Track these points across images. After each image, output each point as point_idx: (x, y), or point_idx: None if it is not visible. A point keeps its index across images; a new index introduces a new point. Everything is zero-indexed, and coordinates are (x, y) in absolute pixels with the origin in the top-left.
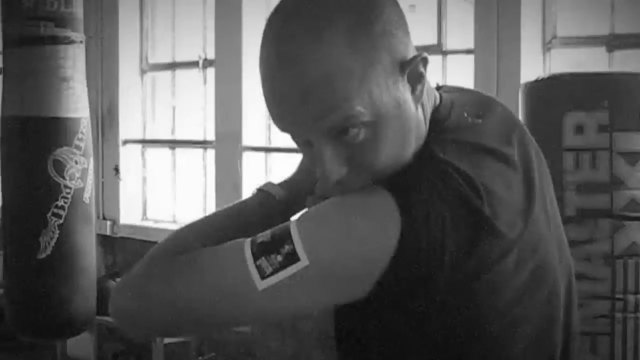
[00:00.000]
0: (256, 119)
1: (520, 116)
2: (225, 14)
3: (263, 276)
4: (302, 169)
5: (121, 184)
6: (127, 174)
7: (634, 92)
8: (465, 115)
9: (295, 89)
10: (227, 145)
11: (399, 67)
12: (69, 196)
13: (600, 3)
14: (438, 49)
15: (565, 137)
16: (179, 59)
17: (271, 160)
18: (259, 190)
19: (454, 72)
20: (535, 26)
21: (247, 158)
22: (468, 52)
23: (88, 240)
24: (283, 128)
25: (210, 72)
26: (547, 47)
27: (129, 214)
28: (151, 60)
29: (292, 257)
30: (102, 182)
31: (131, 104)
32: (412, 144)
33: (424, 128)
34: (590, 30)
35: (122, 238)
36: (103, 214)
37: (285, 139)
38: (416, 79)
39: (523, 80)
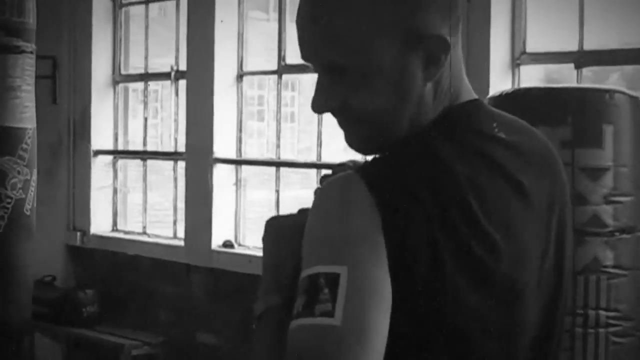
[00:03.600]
0: (227, 131)
1: None
2: (198, 25)
3: (331, 314)
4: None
5: (92, 194)
6: (98, 184)
7: (597, 108)
8: (494, 125)
9: (312, 19)
10: (198, 157)
11: (414, 39)
12: (9, 206)
13: (569, 19)
14: None
15: None
16: (152, 70)
17: (242, 172)
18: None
19: None
20: (504, 42)
21: (218, 170)
22: None
23: (27, 252)
24: (302, 55)
25: (182, 83)
26: (516, 63)
27: (100, 225)
28: (123, 71)
29: (333, 280)
30: (73, 193)
31: (103, 114)
32: (407, 116)
33: (427, 110)
34: (559, 46)
35: (92, 249)
36: (73, 225)
37: (256, 151)
38: (430, 59)
39: None
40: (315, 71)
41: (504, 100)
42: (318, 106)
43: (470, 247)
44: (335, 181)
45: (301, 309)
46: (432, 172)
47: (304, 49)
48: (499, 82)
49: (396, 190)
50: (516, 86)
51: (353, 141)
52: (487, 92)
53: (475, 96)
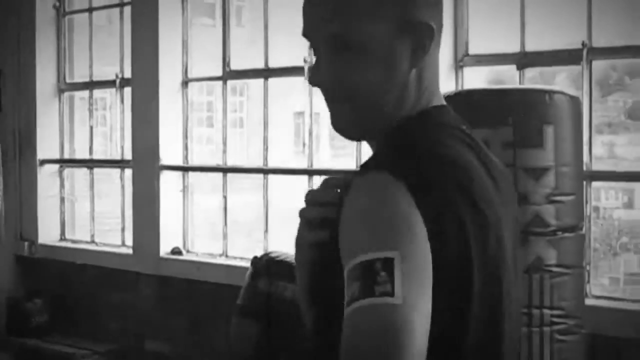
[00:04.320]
0: (173, 138)
1: None
2: (142, 33)
3: (391, 293)
4: None
5: (39, 204)
6: (45, 194)
7: (537, 108)
8: (465, 127)
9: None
10: (144, 165)
11: (405, 25)
12: None
13: (511, 21)
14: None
15: None
16: (97, 78)
17: (189, 178)
18: None
19: None
20: (447, 45)
21: (165, 177)
22: None
23: None
24: (303, 31)
25: (128, 91)
26: (459, 65)
27: (47, 235)
28: (69, 80)
29: (388, 264)
30: (20, 203)
31: (49, 123)
32: (391, 100)
33: (410, 102)
34: (501, 48)
35: (40, 259)
36: (21, 235)
37: (202, 158)
38: (417, 44)
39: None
40: (314, 47)
41: (446, 102)
42: (314, 78)
43: (486, 244)
44: (371, 177)
45: (358, 293)
46: (456, 170)
47: (307, 24)
48: (443, 84)
49: (429, 186)
50: (460, 88)
51: (339, 122)
52: None
53: (442, 98)
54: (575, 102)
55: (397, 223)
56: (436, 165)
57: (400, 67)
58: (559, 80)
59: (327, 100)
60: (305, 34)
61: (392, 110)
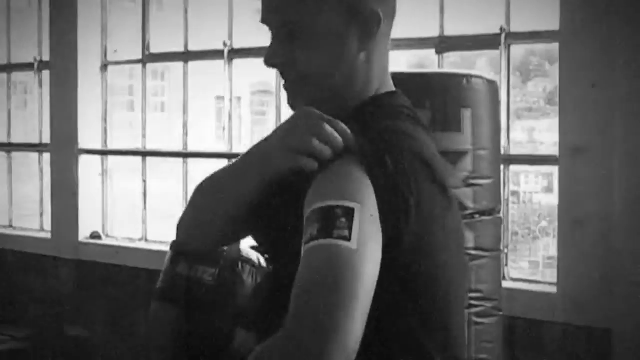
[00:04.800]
0: (92, 122)
1: None
2: (60, 16)
3: (348, 238)
4: None
5: None
6: None
7: (455, 92)
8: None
9: None
10: (62, 148)
11: (354, 11)
12: None
13: (429, 5)
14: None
15: None
16: (16, 61)
17: (108, 163)
18: None
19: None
20: None
21: (84, 161)
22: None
23: None
24: (262, 18)
25: (46, 74)
26: None
27: None
28: None
29: (348, 212)
30: None
31: None
32: (342, 81)
33: (361, 86)
34: (420, 33)
35: None
36: None
37: (123, 142)
38: (365, 32)
39: None
40: (271, 32)
41: None
42: (269, 59)
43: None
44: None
45: (316, 233)
46: (415, 148)
47: (265, 11)
48: None
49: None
50: None
51: (297, 102)
52: None
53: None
54: (493, 86)
55: (357, 185)
56: (392, 138)
57: (348, 50)
58: (480, 65)
59: (284, 80)
60: (264, 19)
61: (343, 91)
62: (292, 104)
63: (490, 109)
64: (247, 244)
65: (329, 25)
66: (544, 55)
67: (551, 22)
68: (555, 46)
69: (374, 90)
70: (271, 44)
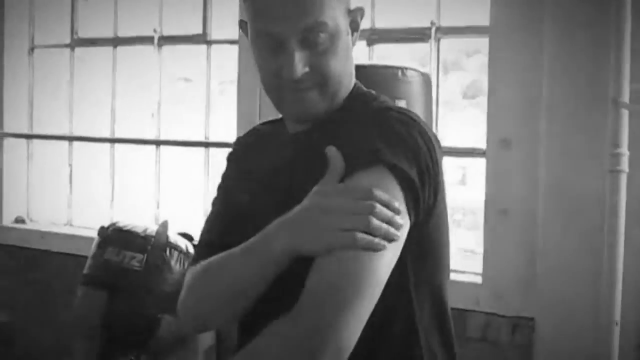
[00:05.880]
0: (18, 106)
1: None
2: None
3: None
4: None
5: None
6: None
7: (390, 84)
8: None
9: None
10: None
11: (347, 10)
12: None
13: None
14: (202, 38)
15: None
16: None
17: (33, 147)
18: None
19: (219, 62)
20: None
21: (8, 145)
22: (232, 42)
23: None
24: (270, 26)
25: None
26: None
27: None
28: None
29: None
30: None
31: None
32: (349, 74)
33: (353, 74)
34: None
35: None
36: None
37: (47, 127)
38: (354, 27)
39: None
40: (281, 42)
41: None
42: (297, 73)
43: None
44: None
45: None
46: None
47: (279, 21)
48: None
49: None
50: None
51: (307, 108)
52: None
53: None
54: (426, 78)
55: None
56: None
57: (350, 48)
58: (409, 58)
59: (294, 90)
60: (275, 31)
61: (345, 89)
62: (300, 112)
63: (424, 101)
64: (176, 231)
65: (340, 26)
66: (462, 49)
67: (482, 17)
68: (471, 41)
69: (353, 83)
70: (293, 56)
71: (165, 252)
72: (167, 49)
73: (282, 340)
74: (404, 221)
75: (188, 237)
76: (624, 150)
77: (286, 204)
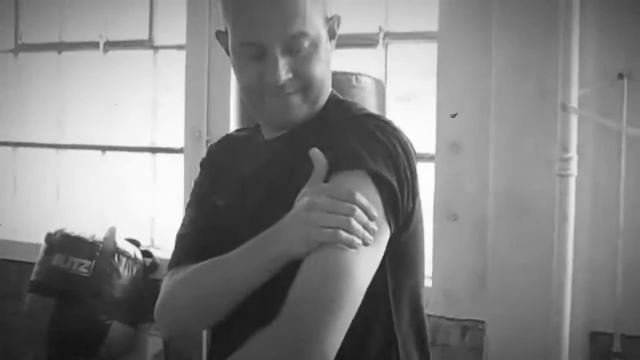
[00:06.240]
0: None
1: (235, 113)
2: None
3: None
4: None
5: None
6: None
7: (344, 90)
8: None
9: (276, 2)
10: None
11: (325, 17)
12: None
13: None
14: (149, 44)
15: None
16: None
17: None
18: None
19: (166, 68)
20: None
21: None
22: (179, 47)
23: None
24: (253, 35)
25: None
26: None
27: None
28: None
29: None
30: None
31: None
32: (329, 80)
33: (330, 81)
34: None
35: None
36: None
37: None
38: (332, 34)
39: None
40: (264, 49)
41: None
42: (280, 79)
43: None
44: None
45: None
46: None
47: (261, 29)
48: None
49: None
50: None
51: (288, 114)
52: (230, 73)
53: None
54: (379, 84)
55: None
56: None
57: (329, 54)
58: (360, 63)
59: (276, 95)
60: (258, 38)
61: (326, 95)
62: (283, 118)
63: (377, 105)
64: (123, 237)
65: (321, 33)
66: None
67: (431, 23)
68: (415, 45)
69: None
70: (276, 64)
71: (114, 258)
72: (113, 54)
73: (268, 349)
74: (382, 229)
75: (136, 243)
76: (573, 154)
77: (262, 209)
